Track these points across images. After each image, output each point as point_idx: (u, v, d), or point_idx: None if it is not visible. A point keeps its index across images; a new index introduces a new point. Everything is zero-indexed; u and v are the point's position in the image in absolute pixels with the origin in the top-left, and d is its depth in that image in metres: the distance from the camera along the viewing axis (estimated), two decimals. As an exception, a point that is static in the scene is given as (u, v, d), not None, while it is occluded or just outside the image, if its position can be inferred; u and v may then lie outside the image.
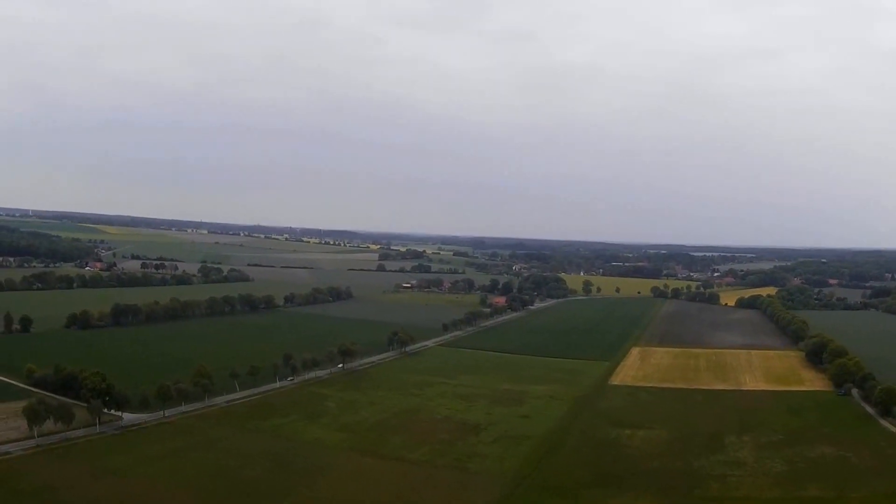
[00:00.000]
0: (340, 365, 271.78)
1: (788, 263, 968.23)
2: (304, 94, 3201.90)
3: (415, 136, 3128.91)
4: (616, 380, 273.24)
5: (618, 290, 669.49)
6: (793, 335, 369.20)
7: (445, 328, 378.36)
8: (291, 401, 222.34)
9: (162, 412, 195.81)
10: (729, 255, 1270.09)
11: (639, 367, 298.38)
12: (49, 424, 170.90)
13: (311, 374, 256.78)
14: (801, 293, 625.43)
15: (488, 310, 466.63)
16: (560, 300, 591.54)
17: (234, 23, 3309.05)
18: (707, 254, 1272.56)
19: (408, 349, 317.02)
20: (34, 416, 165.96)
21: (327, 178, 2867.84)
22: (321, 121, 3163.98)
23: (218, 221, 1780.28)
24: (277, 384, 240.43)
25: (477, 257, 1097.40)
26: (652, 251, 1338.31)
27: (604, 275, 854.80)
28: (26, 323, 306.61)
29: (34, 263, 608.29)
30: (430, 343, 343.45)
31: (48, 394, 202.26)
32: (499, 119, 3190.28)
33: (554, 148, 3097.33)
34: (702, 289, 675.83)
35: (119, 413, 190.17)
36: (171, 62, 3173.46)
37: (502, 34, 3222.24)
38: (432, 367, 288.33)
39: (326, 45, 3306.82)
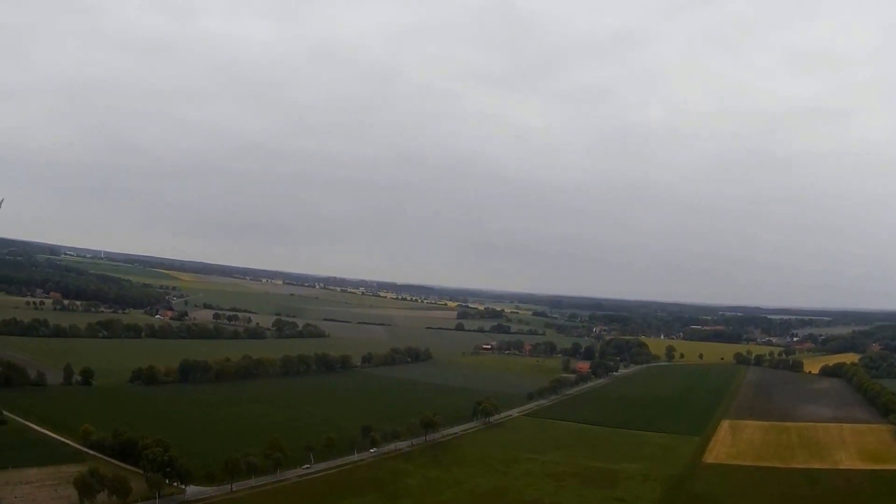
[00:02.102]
0: (423, 437, 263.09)
1: (867, 328, 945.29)
2: (379, 147, 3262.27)
3: (488, 191, 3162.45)
4: (710, 457, 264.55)
5: (701, 356, 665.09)
6: (882, 407, 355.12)
7: (530, 397, 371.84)
8: (370, 478, 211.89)
9: (230, 486, 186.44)
10: (806, 318, 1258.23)
11: (731, 442, 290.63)
12: (102, 496, 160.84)
13: (392, 446, 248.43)
14: (883, 360, 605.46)
15: (572, 376, 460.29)
16: (643, 366, 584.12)
17: (310, 76, 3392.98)
18: (784, 317, 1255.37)
19: (492, 419, 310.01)
20: (85, 488, 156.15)
21: (402, 231, 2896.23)
22: (393, 174, 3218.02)
23: (293, 271, 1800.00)
24: (356, 457, 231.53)
25: (556, 318, 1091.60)
26: (729, 314, 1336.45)
27: (684, 339, 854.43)
28: (88, 375, 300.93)
29: (102, 308, 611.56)
30: (514, 413, 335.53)
31: (105, 458, 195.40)
32: (571, 176, 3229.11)
33: (625, 206, 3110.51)
34: (783, 355, 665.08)
35: (182, 486, 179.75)
36: (245, 111, 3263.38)
37: (576, 93, 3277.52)
38: (518, 440, 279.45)
39: (403, 100, 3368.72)
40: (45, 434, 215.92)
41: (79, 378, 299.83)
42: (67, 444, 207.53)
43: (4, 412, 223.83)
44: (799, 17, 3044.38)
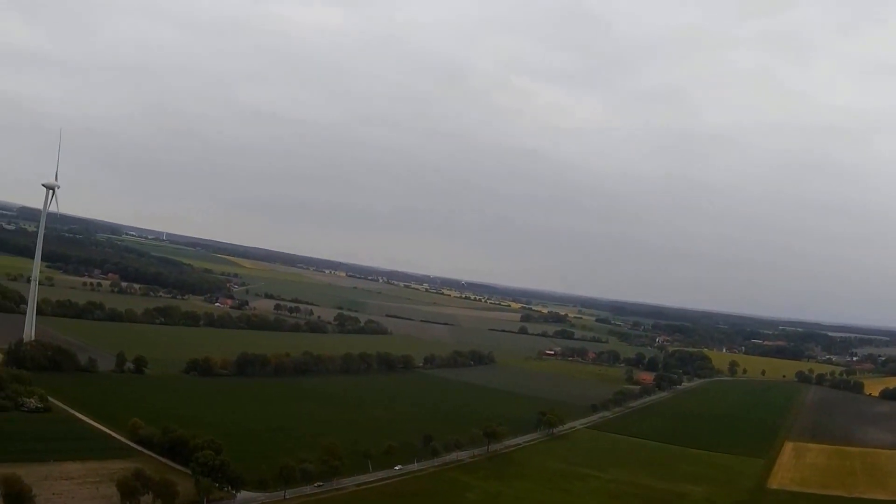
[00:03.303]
0: (485, 447, 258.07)
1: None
2: (445, 141, 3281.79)
3: (553, 190, 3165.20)
4: (774, 482, 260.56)
5: (763, 372, 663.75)
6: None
7: (594, 409, 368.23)
8: (429, 489, 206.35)
9: (283, 493, 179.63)
10: (865, 336, 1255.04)
11: (795, 466, 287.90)
12: (146, 499, 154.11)
13: (453, 455, 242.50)
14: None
15: (636, 388, 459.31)
16: (706, 380, 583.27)
17: (378, 66, 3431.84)
18: (843, 334, 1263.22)
19: (555, 431, 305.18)
20: (128, 490, 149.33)
21: (465, 227, 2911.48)
22: (458, 169, 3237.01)
23: (356, 263, 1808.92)
24: (415, 466, 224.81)
25: (619, 325, 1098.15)
26: (788, 328, 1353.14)
27: (745, 353, 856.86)
28: (141, 364, 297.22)
29: (160, 293, 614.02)
30: (577, 424, 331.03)
31: (152, 455, 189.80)
32: (634, 177, 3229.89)
33: (686, 210, 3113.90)
34: (843, 374, 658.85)
35: (233, 492, 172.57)
36: (312, 98, 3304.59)
37: (643, 94, 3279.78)
38: (581, 454, 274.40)
39: (471, 94, 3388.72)
40: (91, 425, 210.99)
41: (131, 366, 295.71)
42: (114, 438, 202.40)
43: (50, 399, 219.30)
44: (867, 27, 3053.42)
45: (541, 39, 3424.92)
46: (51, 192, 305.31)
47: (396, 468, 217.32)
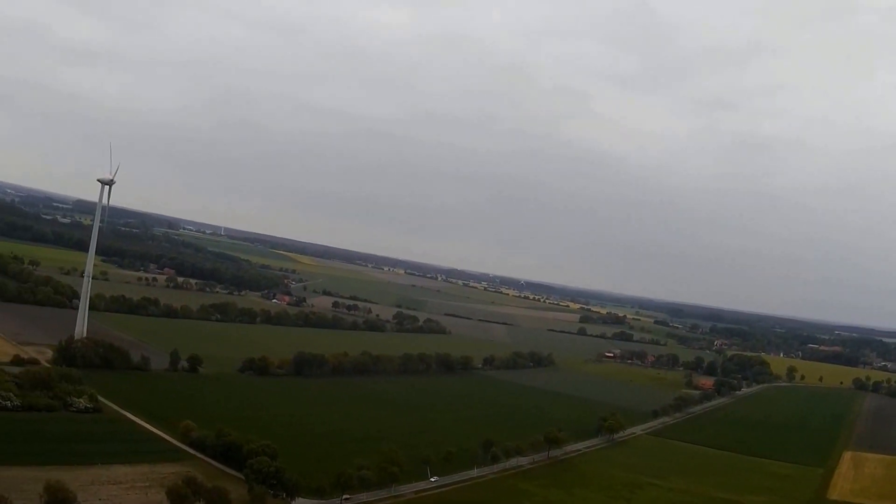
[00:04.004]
0: (545, 453, 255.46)
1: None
2: (506, 142, 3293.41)
3: (611, 192, 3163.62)
4: (834, 493, 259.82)
5: (821, 378, 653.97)
6: None
7: (655, 415, 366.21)
8: (488, 497, 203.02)
9: (340, 499, 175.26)
10: None
11: (854, 477, 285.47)
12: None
13: (513, 461, 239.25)
14: None
15: (696, 393, 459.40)
16: (764, 386, 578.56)
17: (441, 67, 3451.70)
18: None
19: (616, 437, 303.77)
20: (178, 498, 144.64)
21: (524, 227, 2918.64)
22: (519, 170, 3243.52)
23: (414, 261, 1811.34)
24: (475, 472, 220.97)
25: (677, 327, 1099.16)
26: (844, 333, 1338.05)
27: (802, 358, 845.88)
28: (195, 362, 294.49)
29: (217, 289, 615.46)
30: (637, 430, 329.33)
31: (205, 459, 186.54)
32: (695, 182, 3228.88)
33: (745, 217, 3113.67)
34: None
35: (288, 499, 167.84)
36: (373, 97, 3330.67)
37: (706, 99, 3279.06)
38: (642, 462, 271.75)
39: (533, 96, 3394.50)
40: (142, 426, 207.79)
41: (185, 364, 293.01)
42: (165, 440, 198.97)
43: (100, 398, 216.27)
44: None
45: (603, 43, 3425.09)
46: (106, 187, 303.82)
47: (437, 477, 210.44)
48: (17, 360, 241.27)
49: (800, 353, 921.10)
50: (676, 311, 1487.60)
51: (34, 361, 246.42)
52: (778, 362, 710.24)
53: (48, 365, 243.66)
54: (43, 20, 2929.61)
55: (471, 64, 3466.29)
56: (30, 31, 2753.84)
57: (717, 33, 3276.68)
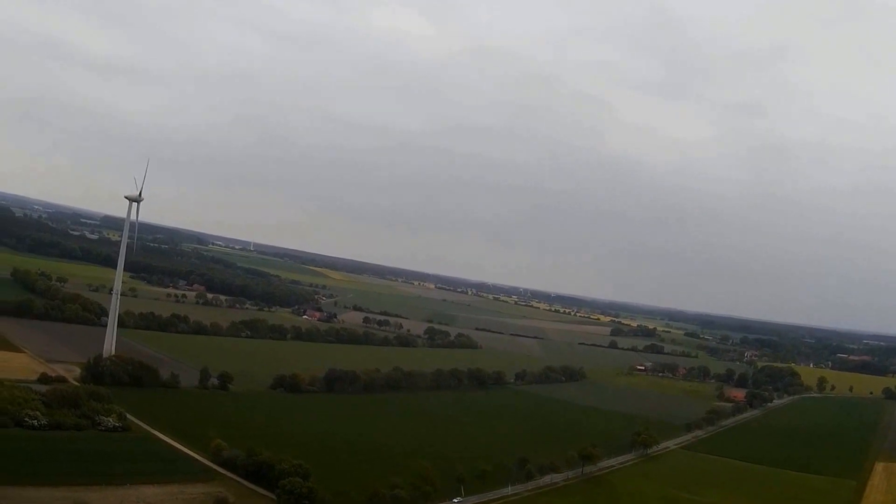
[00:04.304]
0: (580, 469, 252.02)
1: None
2: (534, 152, 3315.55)
3: (638, 201, 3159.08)
4: None
5: (851, 388, 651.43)
6: None
7: (688, 428, 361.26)
8: None
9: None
10: None
11: (886, 489, 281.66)
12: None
13: (547, 478, 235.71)
14: None
15: (728, 405, 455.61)
16: (795, 397, 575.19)
17: (468, 77, 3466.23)
18: None
19: (649, 452, 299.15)
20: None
21: (552, 238, 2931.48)
22: (547, 180, 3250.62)
23: (444, 274, 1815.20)
24: (509, 490, 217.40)
25: (708, 339, 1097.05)
26: (872, 342, 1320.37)
27: (832, 368, 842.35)
28: (225, 379, 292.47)
29: (247, 305, 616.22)
30: (671, 444, 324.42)
31: (236, 478, 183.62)
32: (720, 189, 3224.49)
33: (774, 225, 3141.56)
34: None
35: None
36: (400, 108, 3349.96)
37: (730, 105, 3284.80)
38: (676, 477, 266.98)
39: (560, 106, 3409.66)
40: (172, 445, 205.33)
41: (215, 381, 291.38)
42: (195, 459, 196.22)
43: (129, 416, 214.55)
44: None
45: (628, 50, 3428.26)
46: (134, 204, 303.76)
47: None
48: (44, 378, 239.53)
49: (829, 362, 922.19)
50: (706, 322, 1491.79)
51: (62, 379, 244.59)
52: (808, 372, 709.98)
53: (76, 383, 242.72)
54: (67, 36, 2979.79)
55: (499, 74, 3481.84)
56: (55, 47, 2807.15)
57: (740, 37, 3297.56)
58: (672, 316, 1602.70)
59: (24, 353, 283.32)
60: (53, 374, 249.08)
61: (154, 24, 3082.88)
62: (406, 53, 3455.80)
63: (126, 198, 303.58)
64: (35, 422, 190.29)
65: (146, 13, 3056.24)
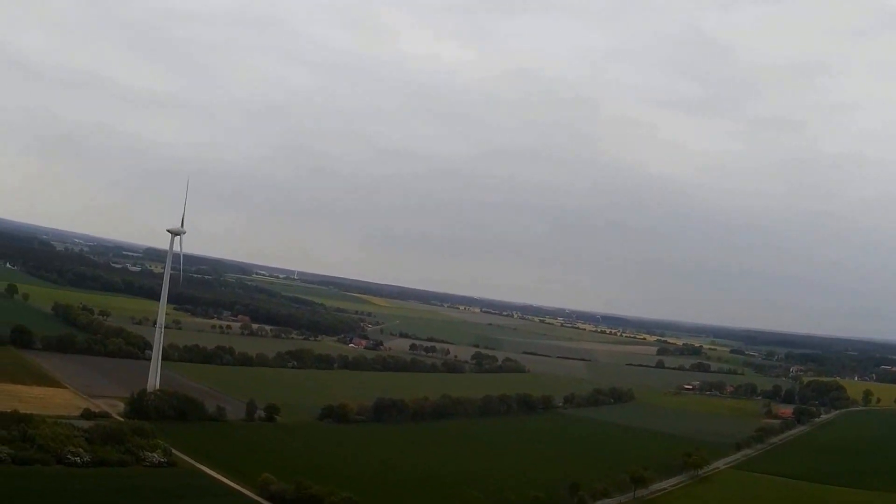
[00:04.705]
0: (632, 494, 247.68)
1: None
2: (571, 173, 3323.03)
3: (679, 220, 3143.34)
4: None
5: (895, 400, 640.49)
6: None
7: (738, 447, 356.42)
8: None
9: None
10: None
11: None
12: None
13: (599, 503, 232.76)
14: None
15: (777, 422, 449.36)
16: (842, 411, 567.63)
17: (503, 100, 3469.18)
18: None
19: (700, 472, 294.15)
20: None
21: (595, 259, 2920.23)
22: (586, 201, 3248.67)
23: (488, 298, 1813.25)
24: None
25: (753, 355, 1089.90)
26: None
27: (877, 380, 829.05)
28: (272, 411, 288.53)
29: (293, 335, 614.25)
30: (721, 464, 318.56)
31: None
32: (757, 203, 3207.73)
33: (812, 239, 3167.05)
34: None
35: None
36: (440, 133, 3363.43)
37: (765, 121, 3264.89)
38: (728, 497, 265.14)
39: (597, 126, 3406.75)
40: (219, 480, 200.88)
41: (262, 414, 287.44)
42: (242, 494, 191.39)
43: (175, 451, 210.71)
44: None
45: (662, 68, 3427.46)
46: (177, 237, 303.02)
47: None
48: (87, 414, 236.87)
49: (873, 374, 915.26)
50: (751, 338, 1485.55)
51: (105, 415, 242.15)
52: (853, 386, 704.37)
53: (120, 418, 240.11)
54: (110, 72, 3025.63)
55: (535, 96, 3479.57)
56: (95, 81, 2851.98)
57: (775, 53, 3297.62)
58: (716, 333, 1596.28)
59: (67, 388, 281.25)
60: (97, 410, 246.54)
61: (196, 58, 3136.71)
62: (445, 78, 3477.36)
63: (168, 231, 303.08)
64: (78, 459, 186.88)
65: (189, 47, 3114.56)
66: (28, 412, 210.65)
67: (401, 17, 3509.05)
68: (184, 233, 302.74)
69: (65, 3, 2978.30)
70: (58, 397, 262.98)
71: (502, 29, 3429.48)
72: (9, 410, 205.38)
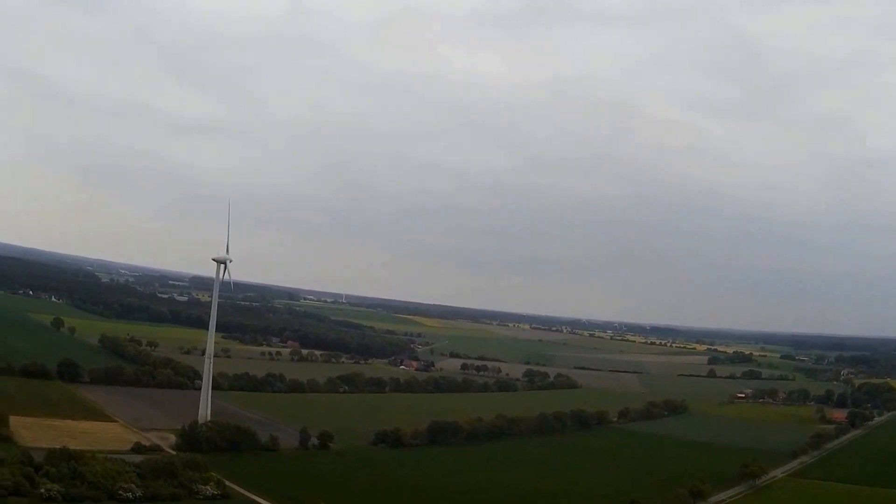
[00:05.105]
0: None
1: None
2: (616, 183, 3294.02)
3: (724, 226, 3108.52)
4: None
5: None
6: None
7: (794, 455, 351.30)
8: None
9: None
10: None
11: None
12: None
13: None
14: None
15: (831, 427, 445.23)
16: (894, 413, 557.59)
17: (545, 110, 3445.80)
18: None
19: (758, 482, 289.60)
20: None
21: (642, 269, 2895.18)
22: (631, 210, 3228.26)
23: (537, 314, 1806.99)
24: None
25: (804, 360, 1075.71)
26: None
27: None
28: (326, 438, 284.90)
29: (343, 359, 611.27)
30: (778, 473, 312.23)
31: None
32: (802, 203, 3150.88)
33: (860, 236, 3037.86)
34: None
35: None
36: (483, 149, 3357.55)
37: (809, 121, 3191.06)
38: None
39: (638, 134, 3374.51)
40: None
41: (315, 441, 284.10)
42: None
43: (228, 483, 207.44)
44: None
45: (703, 72, 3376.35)
46: (222, 265, 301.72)
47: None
48: (137, 448, 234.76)
49: None
50: (799, 342, 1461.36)
51: (156, 448, 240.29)
52: None
53: (171, 451, 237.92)
54: (150, 100, 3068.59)
55: (576, 105, 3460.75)
56: (139, 111, 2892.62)
57: (816, 50, 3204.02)
58: (765, 339, 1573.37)
59: (117, 421, 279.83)
60: (147, 444, 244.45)
61: (237, 82, 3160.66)
62: (482, 91, 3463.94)
63: (214, 260, 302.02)
64: (130, 494, 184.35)
65: (231, 72, 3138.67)
66: (78, 447, 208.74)
67: (437, 32, 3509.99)
68: (230, 260, 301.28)
69: (109, 33, 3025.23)
70: (108, 431, 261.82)
71: (538, 37, 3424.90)
72: (58, 447, 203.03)
